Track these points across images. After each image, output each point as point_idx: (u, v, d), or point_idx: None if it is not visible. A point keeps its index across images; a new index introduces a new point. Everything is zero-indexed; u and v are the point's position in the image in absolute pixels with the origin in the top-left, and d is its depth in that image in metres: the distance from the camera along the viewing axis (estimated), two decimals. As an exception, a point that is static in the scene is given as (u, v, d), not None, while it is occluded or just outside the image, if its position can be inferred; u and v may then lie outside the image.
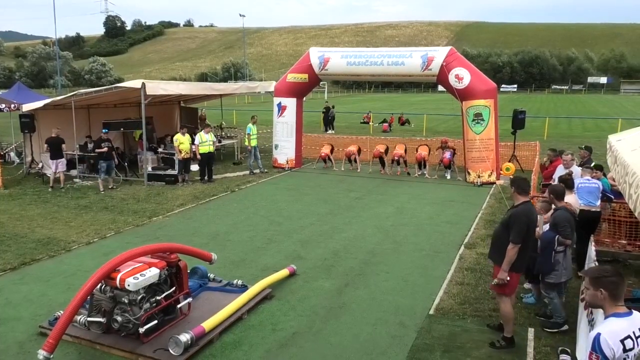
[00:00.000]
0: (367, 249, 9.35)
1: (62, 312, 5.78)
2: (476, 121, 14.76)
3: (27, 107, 16.25)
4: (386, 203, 12.79)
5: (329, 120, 29.49)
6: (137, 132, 16.87)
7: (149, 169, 15.49)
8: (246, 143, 16.70)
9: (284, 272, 7.89)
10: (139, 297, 5.82)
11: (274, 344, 6.03)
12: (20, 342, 6.04)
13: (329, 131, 28.59)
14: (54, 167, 14.28)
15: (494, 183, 14.86)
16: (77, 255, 8.92)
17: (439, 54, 15.29)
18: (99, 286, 5.91)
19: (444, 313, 6.77)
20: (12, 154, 18.81)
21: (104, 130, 14.48)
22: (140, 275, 5.74)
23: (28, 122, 15.63)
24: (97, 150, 14.06)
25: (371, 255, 9.02)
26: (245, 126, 17.25)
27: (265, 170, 16.98)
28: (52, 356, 5.08)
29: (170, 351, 5.60)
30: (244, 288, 7.19)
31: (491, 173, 15.01)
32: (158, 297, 6.08)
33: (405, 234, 10.25)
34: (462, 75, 14.77)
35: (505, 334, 5.88)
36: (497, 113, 15.16)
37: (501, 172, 15.37)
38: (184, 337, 5.65)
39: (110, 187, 14.30)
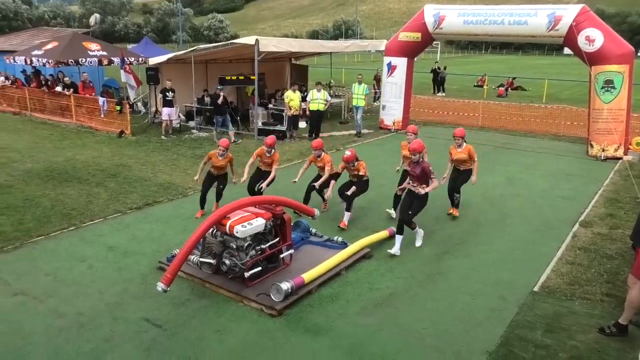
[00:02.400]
0: (470, 218, 9.07)
1: (178, 251, 6.33)
2: (606, 89, 13.40)
3: (152, 61, 17.51)
4: (495, 172, 12.21)
5: (439, 82, 28.42)
6: (250, 87, 17.49)
7: (259, 124, 16.09)
8: (354, 103, 16.63)
9: (384, 234, 7.93)
10: (246, 244, 6.19)
11: (370, 302, 6.15)
12: (143, 274, 6.74)
13: (439, 94, 27.61)
14: (165, 116, 15.43)
15: (621, 158, 13.53)
16: (193, 201, 9.61)
17: (568, 12, 13.92)
18: (210, 230, 6.38)
19: (549, 292, 6.43)
20: (139, 104, 20.44)
21: (218, 87, 15.19)
22: (248, 224, 6.08)
23: (153, 75, 16.86)
24: (214, 103, 14.83)
25: (475, 225, 8.74)
26: (352, 85, 17.17)
27: (362, 132, 16.69)
28: (168, 289, 5.61)
29: (272, 297, 5.93)
30: (343, 245, 7.35)
31: (618, 147, 13.66)
32: (263, 246, 6.43)
33: (514, 205, 9.77)
34: (594, 37, 13.36)
35: (620, 320, 5.45)
36: (632, 80, 13.62)
37: (630, 147, 13.92)
38: (285, 286, 5.94)
39: (232, 141, 14.73)
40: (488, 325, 5.66)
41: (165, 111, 15.48)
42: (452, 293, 6.40)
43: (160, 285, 5.54)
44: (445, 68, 29.07)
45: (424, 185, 7.39)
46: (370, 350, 5.20)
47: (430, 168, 7.37)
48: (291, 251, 6.87)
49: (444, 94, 27.18)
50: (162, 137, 15.38)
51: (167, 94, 15.28)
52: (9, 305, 5.92)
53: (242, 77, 16.16)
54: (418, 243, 7.76)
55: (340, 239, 7.55)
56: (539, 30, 14.43)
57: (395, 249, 7.42)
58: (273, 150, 8.81)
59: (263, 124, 16.34)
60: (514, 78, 31.71)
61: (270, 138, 8.81)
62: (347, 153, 8.54)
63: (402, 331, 5.53)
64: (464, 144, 9.04)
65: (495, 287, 6.54)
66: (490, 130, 17.75)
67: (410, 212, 7.52)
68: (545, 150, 14.72)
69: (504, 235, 8.29)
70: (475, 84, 32.70)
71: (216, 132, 15.07)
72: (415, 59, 17.87)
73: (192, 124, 17.03)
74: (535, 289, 6.50)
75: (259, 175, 9.04)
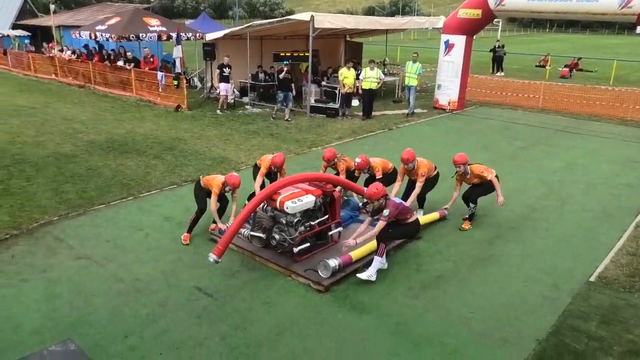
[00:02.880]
0: (526, 202, 8.78)
1: (229, 224, 6.50)
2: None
3: (209, 37, 17.79)
4: (555, 156, 11.73)
5: (498, 61, 27.36)
6: (304, 64, 17.47)
7: (312, 101, 16.10)
8: (406, 82, 16.27)
9: (434, 215, 7.82)
10: (295, 220, 6.27)
11: (417, 282, 6.11)
12: (196, 244, 6.97)
13: (498, 73, 26.62)
14: (223, 92, 15.66)
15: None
16: (245, 176, 9.75)
17: (644, -12, 12.98)
18: (261, 205, 6.49)
19: (607, 283, 6.17)
20: (196, 79, 20.88)
21: (284, 62, 15.17)
22: (298, 200, 6.15)
23: (210, 51, 17.14)
24: (278, 78, 14.85)
25: (530, 210, 8.46)
26: (406, 63, 16.79)
27: (415, 111, 16.27)
28: (220, 260, 5.78)
29: (319, 272, 6.01)
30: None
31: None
32: (312, 223, 6.50)
33: (573, 191, 9.38)
34: (672, 15, 12.44)
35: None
36: None
37: None
38: (333, 262, 5.99)
39: (286, 118, 14.89)
40: (539, 313, 5.52)
41: (222, 87, 15.75)
42: (503, 278, 6.26)
43: (211, 256, 5.71)
44: (503, 47, 27.91)
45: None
46: (415, 331, 5.19)
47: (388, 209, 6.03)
48: (340, 229, 6.90)
49: (502, 74, 26.19)
50: (218, 111, 15.68)
51: (224, 69, 15.49)
52: (74, 268, 6.29)
53: (297, 54, 16.15)
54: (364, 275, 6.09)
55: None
56: (611, 8, 13.57)
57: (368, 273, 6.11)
58: (281, 169, 7.83)
59: (316, 101, 16.33)
60: (579, 58, 30.01)
61: (279, 157, 7.63)
62: (357, 160, 7.80)
63: (448, 314, 5.48)
64: (469, 169, 7.58)
65: (550, 275, 6.34)
66: (552, 112, 17.01)
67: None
68: (610, 135, 13.98)
69: (562, 222, 7.99)
70: (537, 64, 31.24)
71: (276, 107, 15.16)
72: (475, 36, 17.25)
73: (245, 99, 17.25)
74: (592, 279, 6.26)
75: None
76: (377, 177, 7.71)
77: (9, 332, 5.06)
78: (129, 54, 18.50)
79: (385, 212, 5.96)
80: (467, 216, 7.77)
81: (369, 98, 15.44)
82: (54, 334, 5.03)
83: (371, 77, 15.14)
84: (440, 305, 5.65)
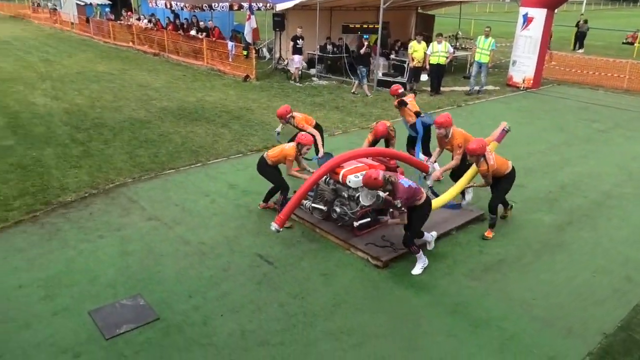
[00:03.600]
0: (601, 188, 8.30)
1: (291, 195, 6.58)
2: None
3: (280, 7, 17.76)
4: (636, 141, 10.96)
5: (580, 38, 25.66)
6: (373, 36, 17.16)
7: (380, 74, 15.84)
8: (477, 58, 15.43)
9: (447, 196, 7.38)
10: (357, 195, 6.26)
11: (478, 265, 5.98)
12: (259, 213, 7.14)
13: (579, 50, 25.00)
14: (297, 63, 15.69)
15: None
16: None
17: None
18: (324, 178, 6.52)
19: (687, 278, 5.77)
20: (264, 50, 21.07)
21: (365, 37, 14.86)
22: (361, 175, 6.12)
23: (279, 21, 17.16)
24: (360, 52, 14.56)
25: (605, 197, 8.00)
26: (478, 38, 16.01)
27: (478, 89, 15.27)
28: (281, 229, 5.89)
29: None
30: (457, 206, 7.14)
31: None
32: (374, 198, 6.46)
33: (656, 180, 8.76)
34: None
35: None
36: None
37: None
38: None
39: (352, 91, 14.71)
40: (608, 306, 5.26)
41: (296, 59, 15.70)
42: (571, 266, 6.00)
43: (273, 225, 5.83)
44: (586, 22, 26.06)
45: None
46: (473, 313, 5.10)
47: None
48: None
49: (582, 51, 24.56)
50: (291, 82, 15.75)
51: (298, 41, 15.47)
52: (145, 228, 6.64)
53: (366, 26, 15.88)
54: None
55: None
56: None
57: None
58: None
59: (383, 74, 16.05)
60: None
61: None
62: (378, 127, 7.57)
63: (509, 299, 5.34)
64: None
65: (623, 266, 6.00)
66: (637, 94, 15.83)
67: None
68: (703, 121, 12.85)
69: (639, 212, 7.51)
70: (624, 40, 29.01)
71: (356, 83, 14.86)
72: (556, 10, 16.23)
73: (313, 71, 17.24)
74: (670, 274, 5.87)
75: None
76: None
77: (86, 284, 5.44)
78: (201, 23, 18.90)
79: (397, 203, 5.41)
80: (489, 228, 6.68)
81: (437, 73, 14.96)
82: (126, 289, 5.36)
83: (439, 52, 14.58)
84: (502, 289, 5.51)
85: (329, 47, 17.41)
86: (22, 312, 4.96)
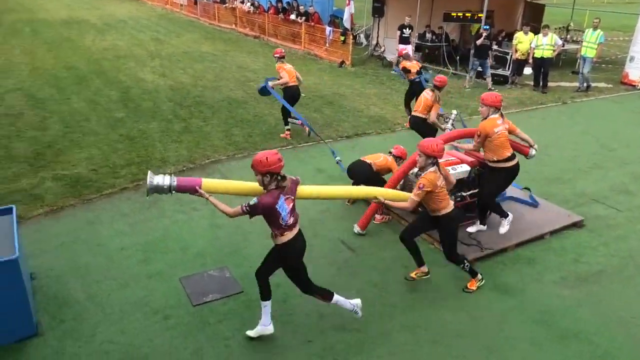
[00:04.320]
0: None
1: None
2: None
3: (381, -7, 17.56)
4: None
5: None
6: (475, 26, 16.45)
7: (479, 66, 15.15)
8: (583, 52, 14.13)
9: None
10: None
11: (572, 274, 5.61)
12: (345, 198, 7.18)
13: None
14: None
15: None
16: (400, 137, 9.74)
17: None
18: (412, 170, 6.41)
19: None
20: (362, 36, 20.96)
21: (485, 27, 14.11)
22: (451, 169, 5.96)
23: (379, 7, 16.97)
24: (477, 43, 13.67)
25: None
26: (586, 31, 14.75)
27: (591, 85, 14.07)
28: (364, 233, 5.89)
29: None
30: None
31: None
32: (463, 194, 6.26)
33: None
34: None
35: None
36: None
37: None
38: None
39: (489, 87, 13.56)
40: None
41: (401, 49, 15.25)
42: (680, 287, 5.46)
43: (356, 228, 5.83)
44: None
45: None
46: (562, 324, 4.81)
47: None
48: (492, 203, 6.55)
49: None
50: (393, 72, 15.39)
51: (405, 30, 15.14)
52: (236, 204, 6.90)
53: (469, 15, 15.25)
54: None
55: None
56: None
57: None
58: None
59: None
60: None
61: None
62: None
63: (603, 313, 4.96)
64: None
65: None
66: None
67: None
68: None
69: None
70: None
71: (468, 76, 14.34)
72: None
73: (409, 59, 16.88)
74: None
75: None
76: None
77: (179, 252, 5.80)
78: (301, 7, 19.16)
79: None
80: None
81: (542, 67, 14.02)
82: (214, 260, 5.65)
83: (543, 45, 13.59)
84: (597, 302, 5.13)
85: (428, 35, 16.97)
86: (122, 272, 5.40)
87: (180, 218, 6.52)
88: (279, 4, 20.89)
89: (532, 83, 14.36)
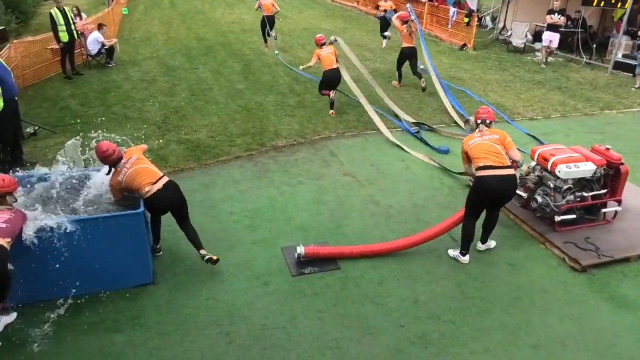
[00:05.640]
0: None
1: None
2: None
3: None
4: None
5: None
6: (619, 11, 14.84)
7: (619, 55, 13.72)
8: None
9: None
10: (565, 187, 5.66)
11: None
12: (451, 187, 6.95)
13: None
14: (545, 42, 13.97)
15: None
16: (512, 129, 9.17)
17: None
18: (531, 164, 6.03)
19: None
20: (488, 19, 19.87)
21: None
22: (574, 166, 5.52)
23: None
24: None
25: None
26: None
27: None
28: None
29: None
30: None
31: None
32: (585, 194, 5.77)
33: None
34: None
35: None
36: None
37: None
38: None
39: (636, 86, 11.98)
40: None
41: (547, 36, 13.95)
42: None
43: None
44: None
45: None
46: (688, 350, 4.30)
47: None
48: (618, 208, 5.96)
49: None
50: (542, 65, 14.02)
51: (552, 15, 13.91)
52: (340, 182, 7.01)
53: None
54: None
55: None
56: None
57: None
58: None
59: (623, 56, 13.85)
60: None
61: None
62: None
63: None
64: None
65: None
66: None
67: None
68: None
69: None
70: None
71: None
72: None
73: (537, 45, 15.73)
74: None
75: None
76: None
77: (283, 222, 6.02)
78: (426, -14, 18.58)
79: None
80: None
81: None
82: (315, 234, 5.79)
83: None
84: None
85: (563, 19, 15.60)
86: (229, 236, 5.73)
87: (286, 190, 6.74)
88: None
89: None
